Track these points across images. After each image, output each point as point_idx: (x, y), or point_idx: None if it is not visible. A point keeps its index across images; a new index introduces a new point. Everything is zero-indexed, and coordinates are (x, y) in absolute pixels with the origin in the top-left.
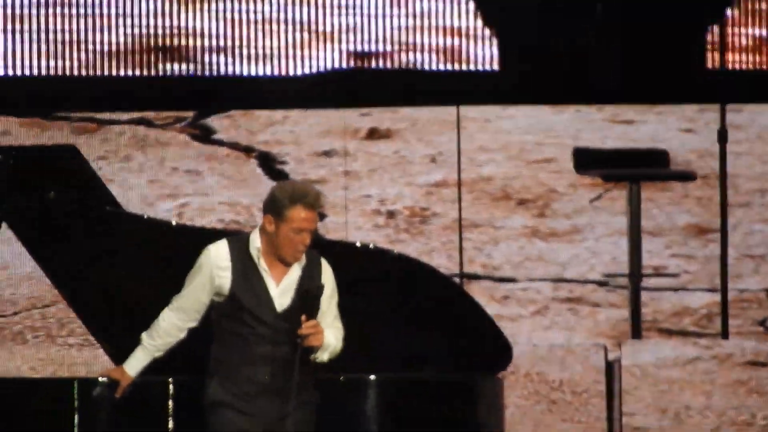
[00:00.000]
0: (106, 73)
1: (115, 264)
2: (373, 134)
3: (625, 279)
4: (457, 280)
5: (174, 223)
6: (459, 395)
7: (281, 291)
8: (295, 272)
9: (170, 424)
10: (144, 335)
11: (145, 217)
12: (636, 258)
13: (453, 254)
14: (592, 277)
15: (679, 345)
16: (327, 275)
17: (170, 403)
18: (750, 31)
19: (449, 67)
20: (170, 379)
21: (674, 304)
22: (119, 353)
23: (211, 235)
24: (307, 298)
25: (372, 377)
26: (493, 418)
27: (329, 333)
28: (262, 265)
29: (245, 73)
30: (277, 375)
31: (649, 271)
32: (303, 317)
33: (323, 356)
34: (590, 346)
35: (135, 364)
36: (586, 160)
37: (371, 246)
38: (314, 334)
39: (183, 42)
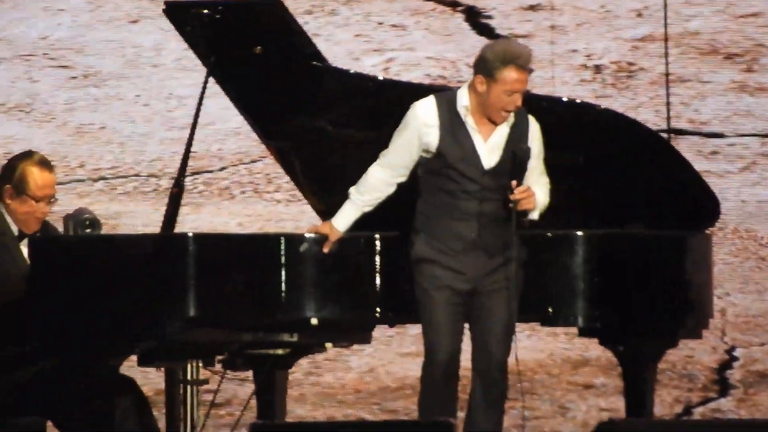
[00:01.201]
0: None
1: (322, 120)
2: None
3: None
4: (664, 135)
5: (381, 78)
6: (667, 251)
7: (489, 148)
8: (503, 130)
9: (377, 280)
10: (353, 190)
11: (352, 71)
12: None
13: (660, 109)
14: None
15: None
16: (534, 133)
17: (377, 258)
18: None
19: None
20: (378, 235)
21: None
22: (326, 209)
23: (417, 91)
24: (515, 161)
25: (579, 233)
26: (702, 275)
27: (538, 191)
28: (470, 123)
29: None
30: (484, 231)
31: None
32: (513, 183)
33: (534, 215)
34: None
35: (344, 219)
36: None
37: (578, 101)
38: (526, 199)
39: None
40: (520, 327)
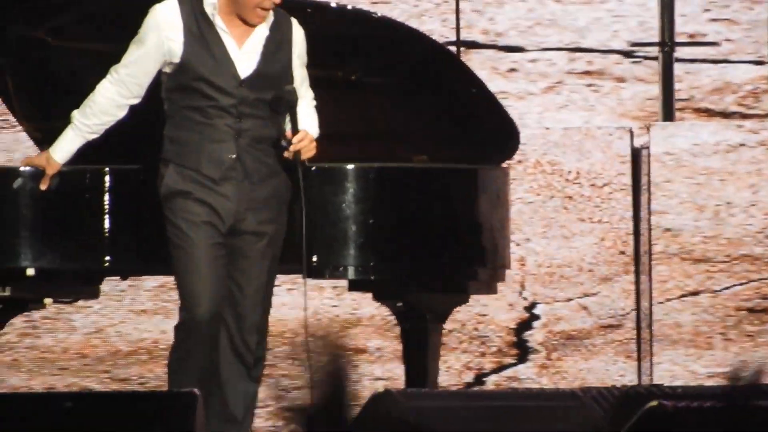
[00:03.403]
0: None
1: (40, 29)
2: None
3: (656, 48)
4: (453, 48)
5: None
6: (455, 188)
7: (245, 54)
8: (261, 33)
9: (106, 223)
10: (76, 113)
11: None
12: (668, 23)
13: (448, 17)
14: (616, 46)
15: (720, 128)
16: (298, 39)
17: (107, 196)
18: None
19: None
20: (107, 168)
21: (714, 78)
22: (45, 137)
23: None
24: (282, 105)
25: (350, 166)
26: (497, 217)
27: (308, 119)
28: (220, 25)
29: None
30: (244, 153)
31: (684, 39)
32: (287, 133)
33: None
34: (613, 129)
35: (64, 148)
36: None
37: (349, 7)
38: (307, 146)
39: None
40: (279, 280)
